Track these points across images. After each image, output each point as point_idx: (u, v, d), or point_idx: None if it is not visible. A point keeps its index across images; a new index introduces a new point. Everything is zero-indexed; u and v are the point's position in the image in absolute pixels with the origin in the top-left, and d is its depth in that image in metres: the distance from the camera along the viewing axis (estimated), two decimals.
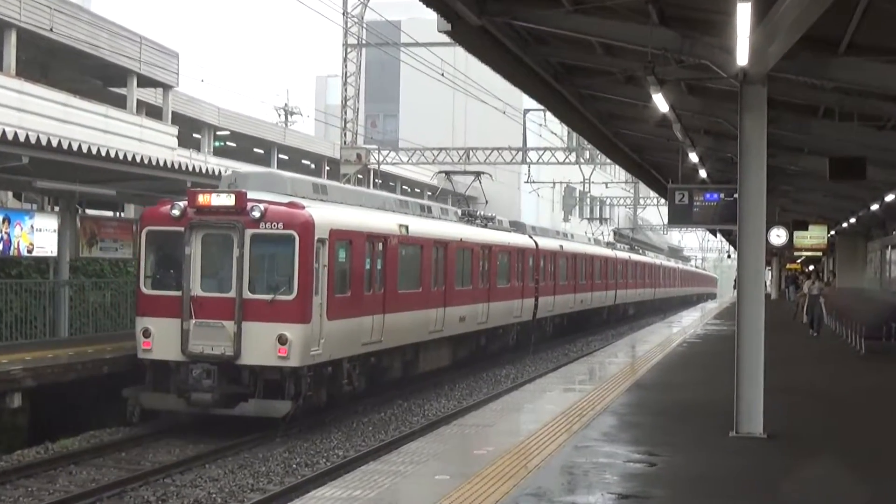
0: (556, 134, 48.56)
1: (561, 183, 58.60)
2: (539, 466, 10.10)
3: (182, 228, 16.97)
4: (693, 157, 20.61)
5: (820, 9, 9.56)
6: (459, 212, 27.89)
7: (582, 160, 47.66)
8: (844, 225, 35.81)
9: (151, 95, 38.47)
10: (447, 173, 31.12)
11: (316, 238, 16.97)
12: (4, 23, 29.29)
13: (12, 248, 20.75)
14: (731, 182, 18.54)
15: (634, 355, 23.62)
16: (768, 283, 54.37)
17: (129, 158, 19.26)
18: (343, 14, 38.77)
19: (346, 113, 39.81)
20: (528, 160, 44.14)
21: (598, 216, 73.00)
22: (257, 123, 49.48)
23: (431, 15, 12.78)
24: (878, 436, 12.77)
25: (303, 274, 16.70)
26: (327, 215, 17.83)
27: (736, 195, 12.65)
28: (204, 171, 21.75)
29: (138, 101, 36.48)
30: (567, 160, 44.80)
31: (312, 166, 55.08)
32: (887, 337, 22.70)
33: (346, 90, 39.48)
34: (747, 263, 12.01)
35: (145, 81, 36.54)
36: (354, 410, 19.42)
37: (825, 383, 18.05)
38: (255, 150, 50.33)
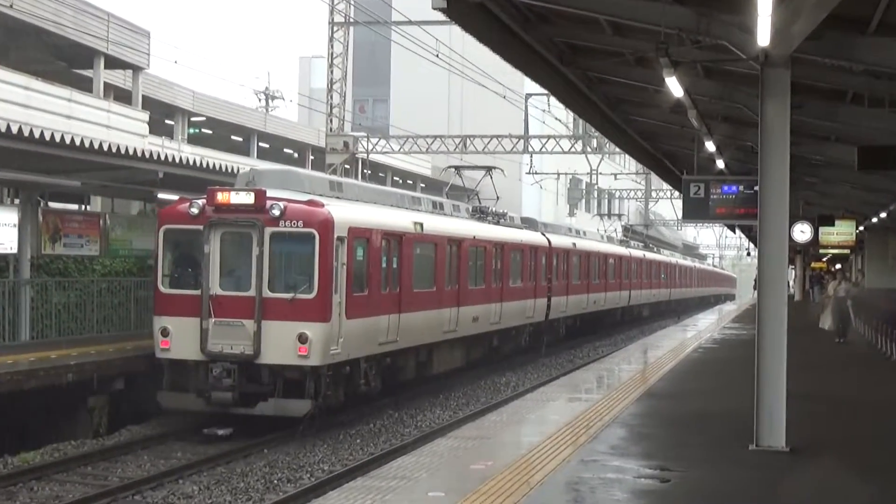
0: (560, 121, 48.47)
1: (566, 174, 58.63)
2: (542, 482, 10.11)
3: (201, 227, 18.05)
4: (710, 146, 20.59)
5: None
6: (470, 208, 28.78)
7: (589, 149, 47.65)
8: (874, 220, 35.77)
9: (120, 78, 38.40)
10: (456, 168, 31.65)
11: (335, 236, 18.03)
12: None
13: None
14: (750, 173, 18.54)
15: (646, 361, 23.70)
16: (791, 283, 54.45)
17: (96, 147, 19.26)
18: None
19: (331, 97, 39.79)
20: (530, 149, 44.09)
21: (605, 210, 72.98)
22: (236, 109, 49.44)
23: None
24: None
25: (323, 272, 17.78)
26: (346, 213, 18.95)
27: (756, 187, 12.66)
28: (178, 160, 21.71)
29: (106, 84, 36.39)
30: (572, 149, 44.79)
31: (295, 155, 55.07)
32: None
33: (332, 72, 39.45)
34: (769, 262, 12.02)
35: (113, 63, 36.46)
36: (365, 412, 19.52)
37: (853, 392, 18.08)
38: (234, 137, 50.31)
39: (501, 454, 11.63)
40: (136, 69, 37.80)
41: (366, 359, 19.60)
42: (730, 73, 16.05)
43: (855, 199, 32.42)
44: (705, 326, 39.20)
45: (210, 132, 49.21)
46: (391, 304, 20.51)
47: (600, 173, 53.51)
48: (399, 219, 21.78)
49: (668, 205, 67.67)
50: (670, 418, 14.73)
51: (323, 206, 18.17)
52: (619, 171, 64.58)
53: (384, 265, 20.32)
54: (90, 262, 24.62)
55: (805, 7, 10.28)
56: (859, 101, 16.57)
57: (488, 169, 30.78)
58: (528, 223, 34.42)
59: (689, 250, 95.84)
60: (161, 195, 23.10)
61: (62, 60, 37.05)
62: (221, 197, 17.98)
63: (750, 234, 53.57)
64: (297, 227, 17.77)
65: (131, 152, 20.25)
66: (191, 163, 21.80)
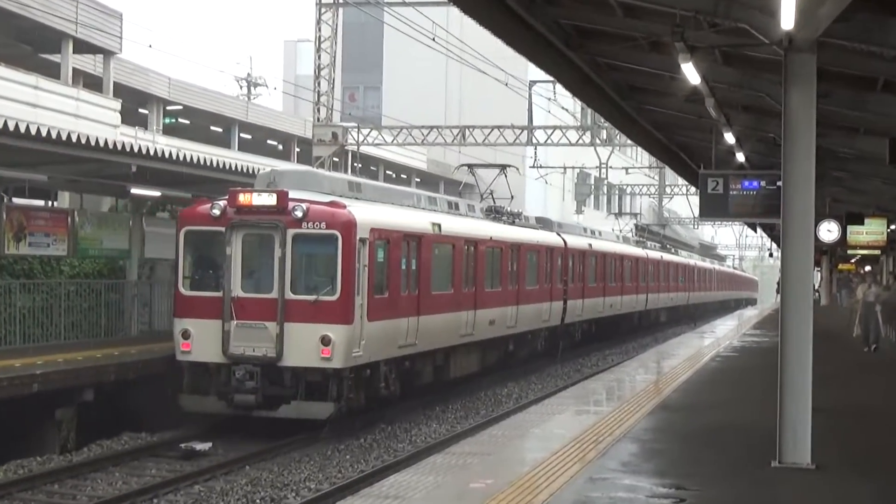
0: (567, 110, 48.45)
1: (573, 168, 58.65)
2: (547, 502, 10.11)
3: (222, 228, 19.25)
4: (729, 138, 20.61)
5: None
6: (485, 208, 29.57)
7: (598, 141, 47.61)
8: None
9: (90, 63, 38.40)
10: (470, 166, 32.04)
11: (358, 238, 19.15)
12: None
13: None
14: (773, 167, 18.53)
15: (659, 371, 23.73)
16: (817, 286, 54.48)
17: (64, 138, 19.25)
18: None
19: (319, 84, 39.76)
20: (534, 140, 44.10)
21: (615, 207, 73.03)
22: (215, 97, 49.50)
23: None
24: None
25: (346, 274, 18.97)
26: (367, 214, 20.11)
27: (779, 183, 12.65)
28: (152, 152, 21.70)
29: (74, 69, 36.41)
30: (580, 141, 44.78)
31: (280, 147, 55.09)
32: None
33: (319, 57, 39.43)
34: (793, 263, 12.01)
35: (83, 47, 36.48)
36: (382, 418, 19.59)
37: (883, 404, 18.10)
38: (213, 127, 50.37)
39: (503, 471, 11.63)
40: (107, 54, 37.83)
41: (385, 362, 20.73)
42: (751, 59, 16.04)
43: (886, 195, 32.41)
44: (724, 333, 39.30)
45: (187, 122, 49.27)
46: (410, 306, 21.74)
47: (610, 167, 53.52)
48: (418, 219, 23.00)
49: (683, 201, 67.73)
50: (686, 433, 14.73)
51: (345, 207, 19.29)
52: (630, 164, 64.59)
53: (404, 267, 21.55)
54: (57, 263, 24.65)
55: None
56: (891, 90, 16.55)
57: (503, 167, 31.16)
58: (543, 223, 35.37)
59: (707, 251, 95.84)
60: (134, 190, 23.12)
61: (27, 44, 37.07)
62: (243, 198, 19.10)
63: (772, 233, 53.58)
64: (320, 228, 18.90)
65: (102, 144, 20.24)
66: (166, 155, 21.76)
